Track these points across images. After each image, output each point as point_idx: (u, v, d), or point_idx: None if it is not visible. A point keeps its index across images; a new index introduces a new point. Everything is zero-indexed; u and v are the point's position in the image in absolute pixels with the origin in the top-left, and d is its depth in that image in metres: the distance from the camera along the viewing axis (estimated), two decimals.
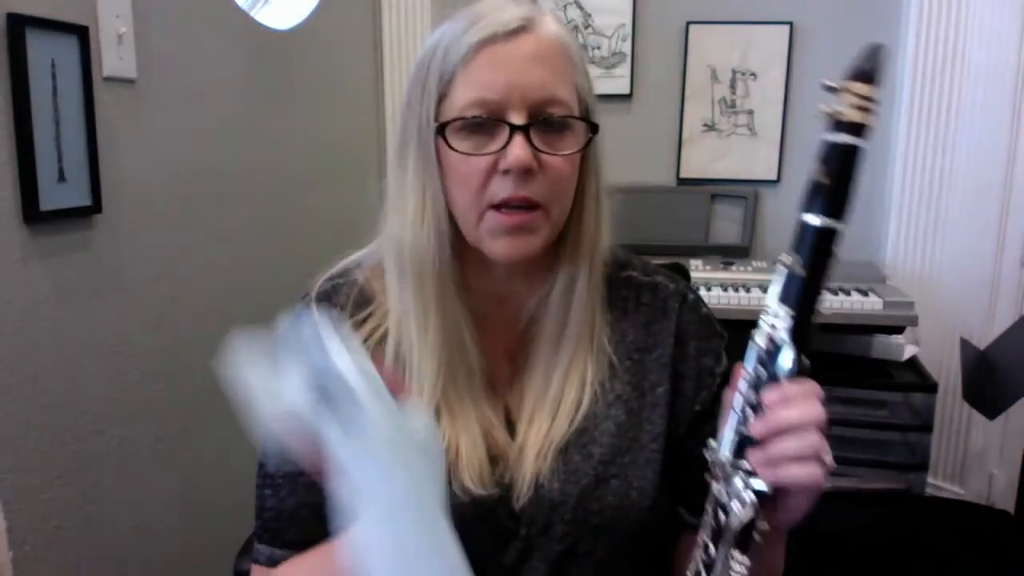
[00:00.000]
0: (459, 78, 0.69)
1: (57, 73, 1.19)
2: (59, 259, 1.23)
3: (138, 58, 1.37)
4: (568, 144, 0.70)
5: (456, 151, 0.69)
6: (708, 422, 0.76)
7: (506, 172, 0.68)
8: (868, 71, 0.57)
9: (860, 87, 0.56)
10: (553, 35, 0.71)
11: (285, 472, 0.75)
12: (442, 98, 0.70)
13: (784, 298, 0.61)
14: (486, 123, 0.68)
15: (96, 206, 1.28)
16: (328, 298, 0.78)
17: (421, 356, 0.73)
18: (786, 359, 0.60)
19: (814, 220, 0.59)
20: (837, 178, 0.58)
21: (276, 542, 0.76)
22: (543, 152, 0.68)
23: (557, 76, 0.70)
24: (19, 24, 1.11)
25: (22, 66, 1.12)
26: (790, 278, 0.60)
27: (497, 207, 0.69)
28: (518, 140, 0.67)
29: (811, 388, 0.60)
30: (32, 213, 1.15)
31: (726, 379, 0.76)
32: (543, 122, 0.69)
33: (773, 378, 0.61)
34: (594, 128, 0.73)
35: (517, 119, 0.68)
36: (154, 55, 1.42)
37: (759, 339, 0.62)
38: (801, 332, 0.60)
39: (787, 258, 0.61)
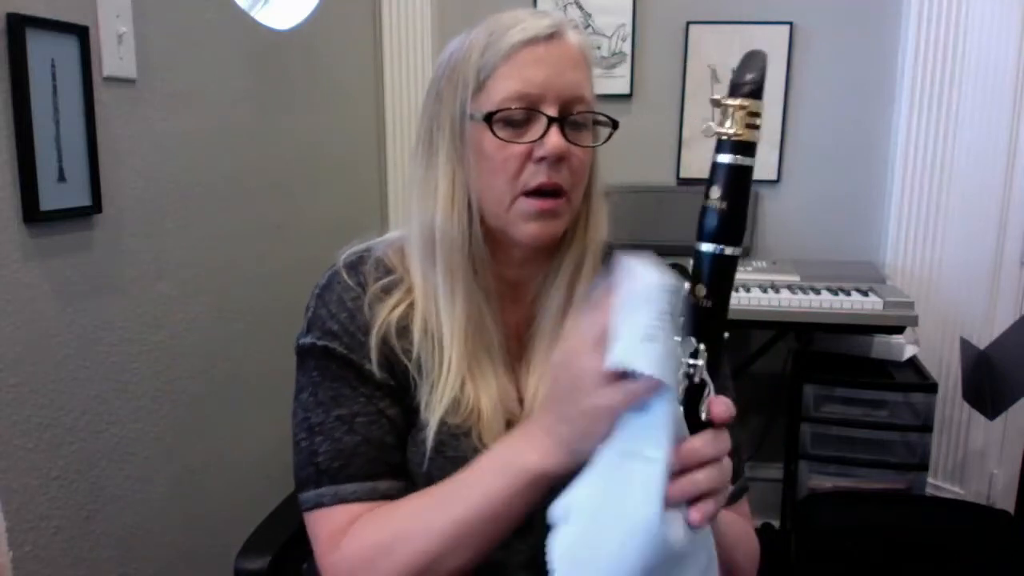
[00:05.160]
0: (500, 72, 0.76)
1: (57, 73, 1.19)
2: (59, 259, 1.23)
3: (138, 58, 1.37)
4: (588, 139, 0.79)
5: (498, 138, 0.75)
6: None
7: (540, 160, 0.75)
8: (755, 84, 0.56)
9: (751, 103, 0.56)
10: (579, 43, 0.79)
11: (338, 415, 0.77)
12: (478, 90, 0.77)
13: (694, 331, 0.59)
14: (525, 114, 0.75)
15: (96, 206, 1.28)
16: (354, 267, 0.83)
17: (449, 329, 0.79)
18: (707, 396, 0.59)
19: (715, 248, 0.59)
20: (733, 202, 0.58)
21: (339, 478, 0.76)
22: (573, 143, 0.76)
23: (583, 78, 0.78)
24: (19, 24, 1.11)
25: (22, 66, 1.12)
26: (697, 310, 0.59)
27: (529, 194, 0.76)
28: (555, 130, 0.75)
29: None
30: (32, 213, 1.15)
31: None
32: (572, 117, 0.77)
33: (694, 414, 0.60)
34: (615, 124, 0.80)
35: (551, 112, 0.75)
36: (154, 55, 1.41)
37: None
38: (715, 364, 0.60)
39: (691, 288, 0.60)
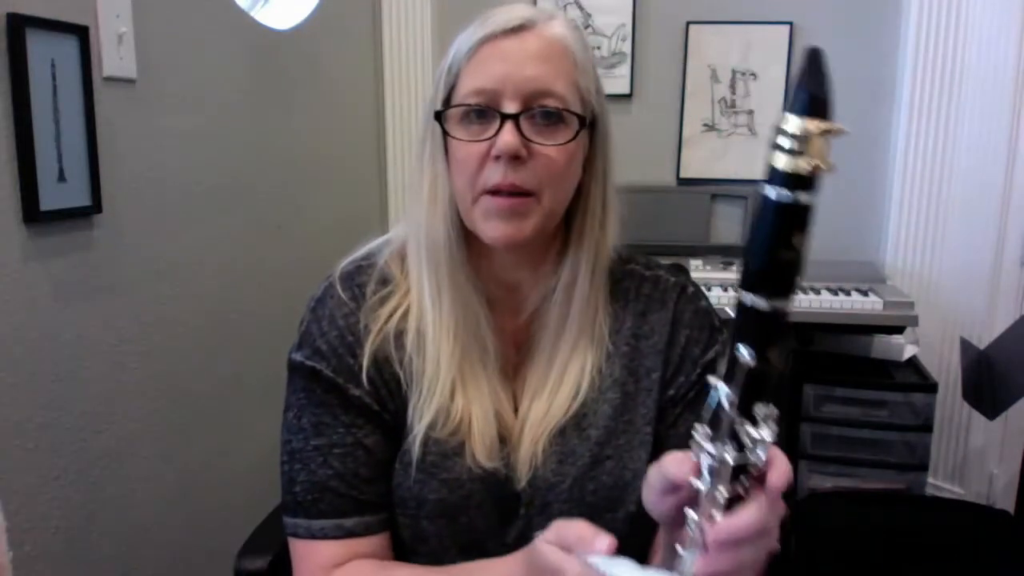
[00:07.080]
0: (464, 71, 0.74)
1: (57, 73, 1.19)
2: (59, 259, 1.23)
3: (138, 58, 1.37)
4: (560, 136, 0.74)
5: (454, 138, 0.74)
6: (675, 408, 0.81)
7: (497, 158, 0.72)
8: (828, 98, 0.46)
9: (833, 126, 0.46)
10: (555, 35, 0.75)
11: (315, 445, 0.78)
12: (450, 91, 0.75)
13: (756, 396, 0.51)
14: (482, 111, 0.73)
15: (96, 206, 1.28)
16: (351, 278, 0.82)
17: (437, 331, 0.77)
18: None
19: (764, 304, 0.49)
20: (797, 250, 0.48)
21: (312, 513, 0.78)
22: (533, 141, 0.72)
23: (554, 72, 0.73)
24: (19, 24, 1.11)
25: (22, 66, 1.12)
26: (748, 373, 0.51)
27: (491, 192, 0.73)
28: (508, 127, 0.71)
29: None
30: (32, 213, 1.15)
31: (706, 370, 0.80)
32: (535, 113, 0.72)
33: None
34: (582, 121, 0.74)
35: (510, 108, 0.72)
36: (154, 55, 1.41)
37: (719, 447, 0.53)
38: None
39: (742, 352, 0.51)
